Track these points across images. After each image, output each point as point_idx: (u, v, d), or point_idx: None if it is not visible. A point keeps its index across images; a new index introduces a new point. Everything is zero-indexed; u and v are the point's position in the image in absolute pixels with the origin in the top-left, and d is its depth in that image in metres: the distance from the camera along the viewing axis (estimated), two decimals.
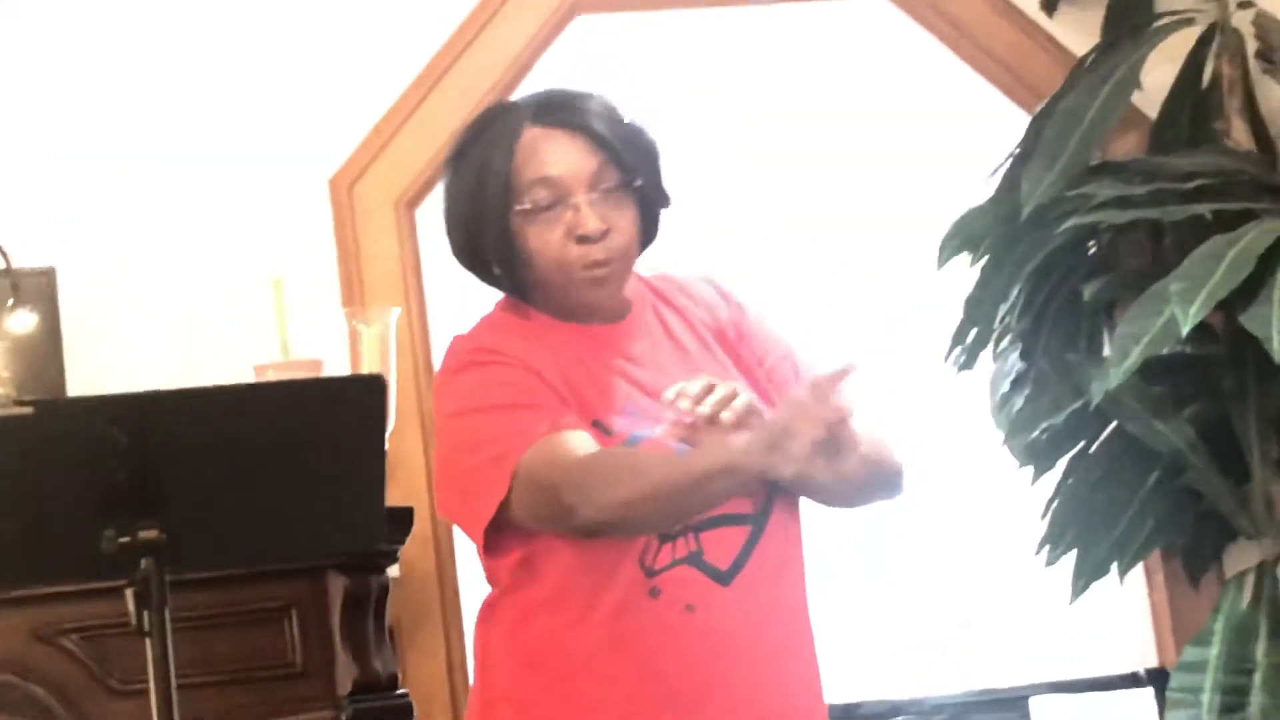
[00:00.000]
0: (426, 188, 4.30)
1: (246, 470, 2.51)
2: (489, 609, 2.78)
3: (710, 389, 2.63)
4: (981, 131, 4.82)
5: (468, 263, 2.79)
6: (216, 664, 3.62)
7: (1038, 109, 4.34)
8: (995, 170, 4.34)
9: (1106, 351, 4.11)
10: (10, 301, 3.93)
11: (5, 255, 3.93)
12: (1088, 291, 4.17)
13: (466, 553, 3.40)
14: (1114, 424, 4.17)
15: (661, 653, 2.65)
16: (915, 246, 4.72)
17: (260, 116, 4.25)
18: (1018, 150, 4.31)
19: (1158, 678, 4.41)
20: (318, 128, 4.28)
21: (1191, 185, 4.04)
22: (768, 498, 2.70)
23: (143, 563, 2.44)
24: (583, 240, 2.68)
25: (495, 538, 2.69)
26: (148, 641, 2.45)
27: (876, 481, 2.73)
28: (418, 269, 4.32)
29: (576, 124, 2.71)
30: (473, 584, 2.93)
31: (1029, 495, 4.32)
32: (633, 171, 2.72)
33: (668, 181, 2.79)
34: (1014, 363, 4.34)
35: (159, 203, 4.20)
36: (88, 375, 4.01)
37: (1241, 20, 4.36)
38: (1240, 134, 4.31)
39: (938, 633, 6.34)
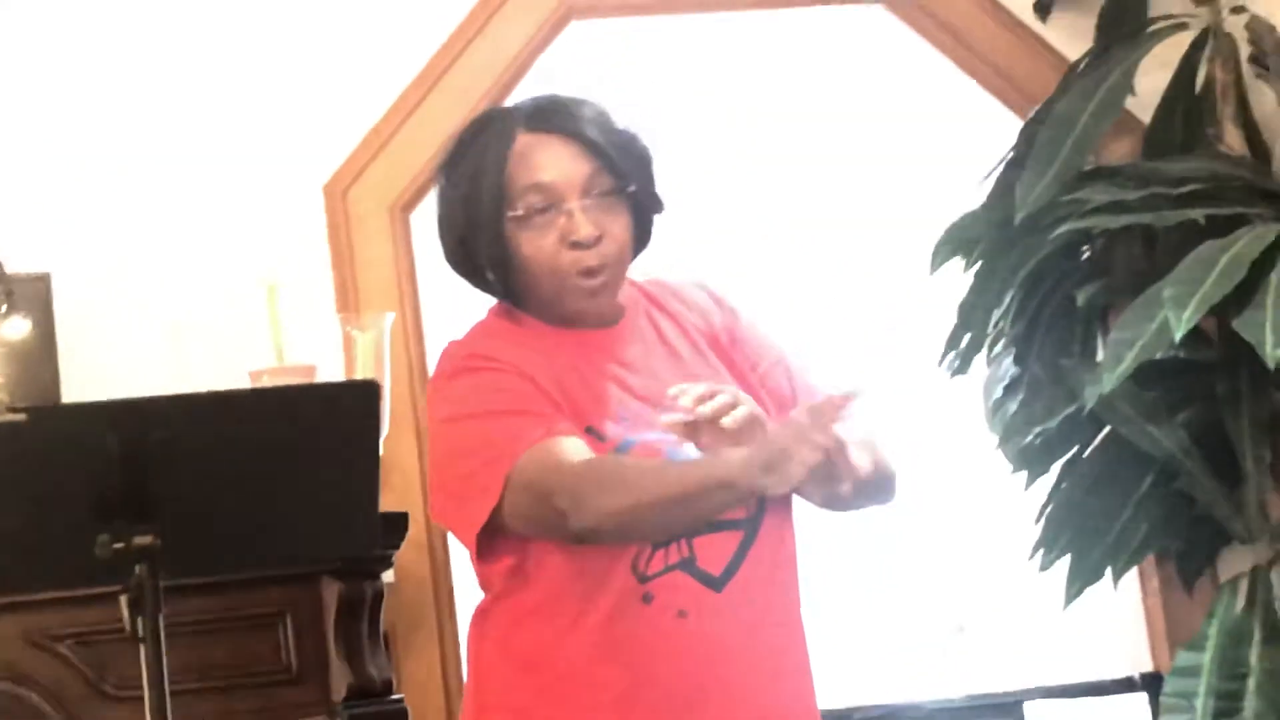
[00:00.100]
0: (421, 193, 4.30)
1: (241, 476, 2.52)
2: (482, 615, 2.78)
3: (714, 394, 2.62)
4: (975, 136, 4.83)
5: (461, 269, 2.79)
6: (211, 670, 3.62)
7: (1031, 114, 4.35)
8: (988, 175, 4.35)
9: (1100, 356, 4.12)
10: (4, 308, 3.92)
11: None
12: (1081, 296, 4.18)
13: (461, 558, 3.40)
14: (1108, 429, 4.17)
15: (654, 659, 2.65)
16: (910, 250, 4.72)
17: (255, 122, 4.25)
18: (1011, 155, 4.32)
19: (1152, 682, 4.41)
20: (312, 133, 4.28)
21: (1185, 190, 4.05)
22: (760, 504, 2.70)
23: (137, 569, 2.44)
24: (576, 246, 2.68)
25: (488, 543, 2.69)
26: (142, 647, 2.45)
27: (870, 490, 2.73)
28: (412, 274, 4.33)
29: (570, 130, 2.71)
30: (467, 589, 2.93)
31: (1023, 500, 4.32)
32: (626, 177, 2.72)
33: (661, 186, 2.79)
34: (1008, 367, 4.34)
35: (154, 208, 4.20)
36: (82, 381, 4.00)
37: (1234, 25, 4.37)
38: (1233, 139, 4.32)
39: (932, 637, 6.34)
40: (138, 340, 4.13)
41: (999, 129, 4.58)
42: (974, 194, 4.39)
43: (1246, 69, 4.35)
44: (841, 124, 6.11)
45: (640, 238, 2.79)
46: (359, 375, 3.86)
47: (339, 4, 4.34)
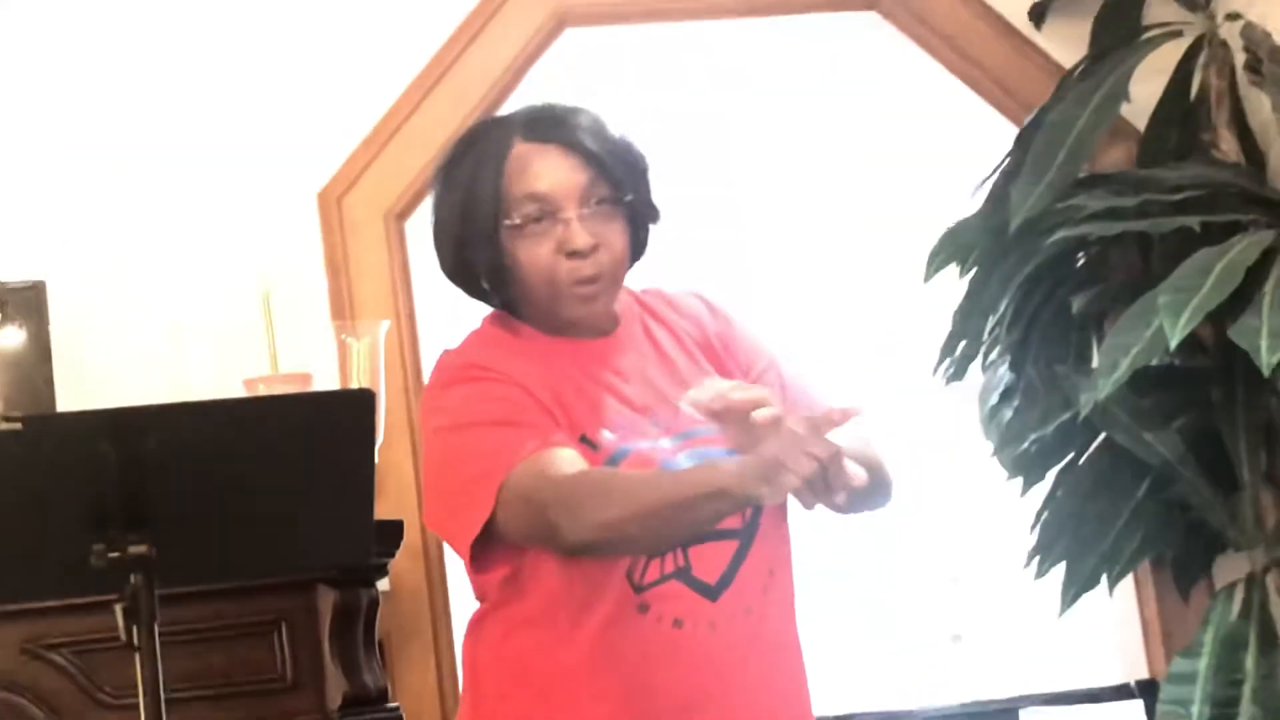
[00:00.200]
0: (416, 200, 4.30)
1: (236, 484, 2.52)
2: (478, 623, 2.78)
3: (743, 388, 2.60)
4: (970, 143, 4.83)
5: (457, 277, 2.80)
6: (206, 678, 3.62)
7: (1026, 121, 4.35)
8: (984, 182, 4.35)
9: (1095, 363, 4.11)
10: None
11: None
12: (1076, 303, 4.18)
13: (456, 566, 3.40)
14: (1103, 435, 4.17)
15: (650, 668, 2.65)
16: (905, 257, 4.72)
17: (249, 129, 4.25)
18: (1006, 162, 4.32)
19: (1148, 689, 4.41)
20: (307, 140, 4.28)
21: (1180, 197, 4.05)
22: (754, 512, 2.70)
23: (132, 577, 2.44)
24: (572, 255, 2.69)
25: (483, 553, 2.68)
26: (138, 656, 2.45)
27: (866, 496, 2.72)
28: (407, 282, 4.32)
29: (566, 139, 2.71)
30: (462, 597, 2.93)
31: (1018, 507, 4.32)
32: (622, 187, 2.73)
33: (657, 195, 2.79)
34: (1003, 374, 4.34)
35: (149, 216, 4.20)
36: (77, 389, 4.00)
37: (1229, 32, 4.37)
38: (1228, 146, 4.32)
39: (928, 645, 6.34)
40: (132, 348, 4.13)
41: (994, 136, 4.58)
42: (969, 201, 4.40)
43: (1241, 76, 4.35)
44: (836, 131, 6.11)
45: (636, 247, 2.79)
46: (354, 383, 3.85)
47: (333, 12, 4.34)
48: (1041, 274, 4.20)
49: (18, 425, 2.39)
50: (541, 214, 2.70)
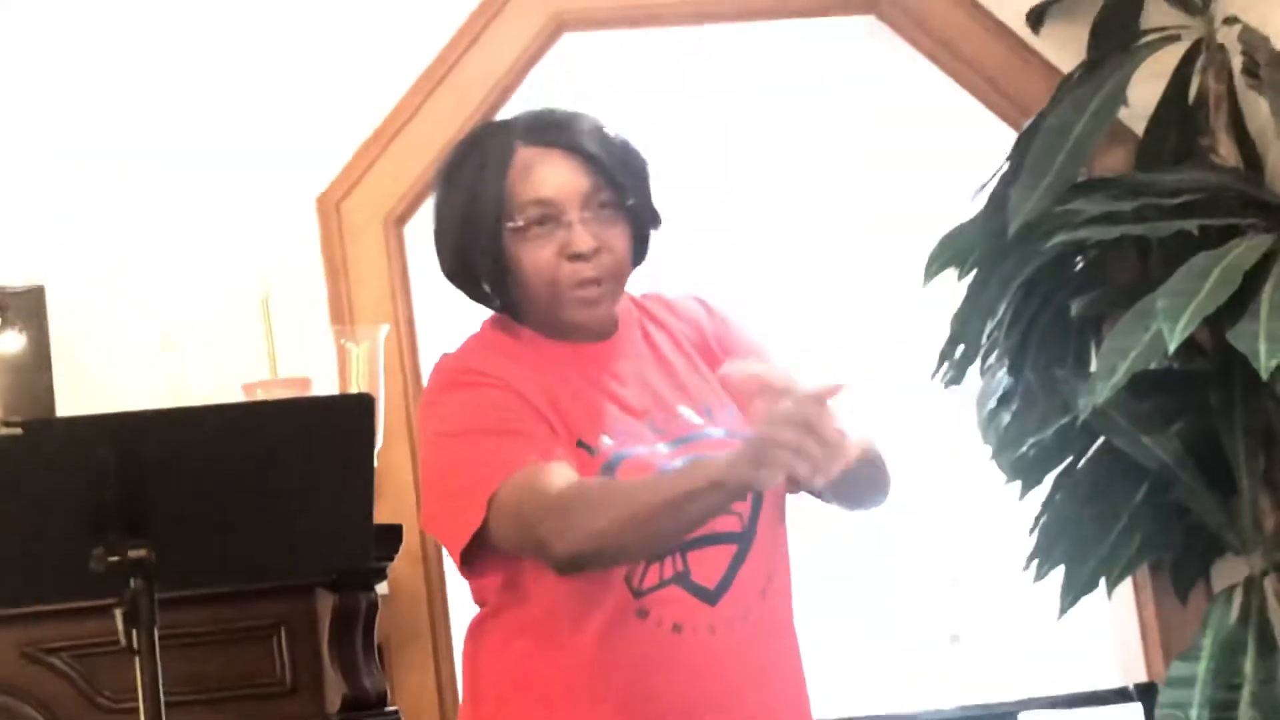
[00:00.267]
0: (415, 205, 4.30)
1: (235, 489, 2.52)
2: (477, 628, 2.78)
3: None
4: (968, 148, 4.83)
5: (457, 280, 2.79)
6: (206, 682, 3.62)
7: (1025, 125, 4.35)
8: (983, 187, 4.35)
9: (1094, 367, 4.12)
10: None
11: None
12: (1075, 307, 4.18)
13: (455, 570, 3.40)
14: (1101, 439, 4.17)
15: (649, 673, 2.65)
16: (904, 260, 4.72)
17: (249, 134, 4.26)
18: (1005, 167, 4.32)
19: (1147, 693, 4.41)
20: (306, 145, 4.28)
21: (1178, 201, 4.05)
22: (753, 516, 2.70)
23: (132, 582, 2.44)
24: (575, 258, 2.68)
25: (480, 558, 2.68)
26: (137, 660, 2.45)
27: (866, 483, 2.70)
28: (406, 286, 4.33)
29: (570, 144, 2.71)
30: (461, 601, 2.93)
31: (1017, 511, 4.32)
32: (625, 191, 2.72)
33: (656, 199, 2.79)
34: (1001, 378, 4.34)
35: (148, 220, 4.20)
36: (76, 394, 4.00)
37: (1227, 36, 4.37)
38: (1226, 150, 4.32)
39: (927, 648, 6.34)
40: (132, 352, 4.13)
41: (992, 140, 4.58)
42: (968, 205, 4.40)
43: (1239, 80, 4.35)
44: (834, 135, 6.12)
45: (638, 252, 2.79)
46: (353, 387, 3.86)
47: (332, 17, 4.34)
48: (1040, 278, 4.20)
49: (18, 430, 2.39)
50: (544, 217, 2.70)
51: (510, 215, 2.70)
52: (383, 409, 3.93)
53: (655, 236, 2.82)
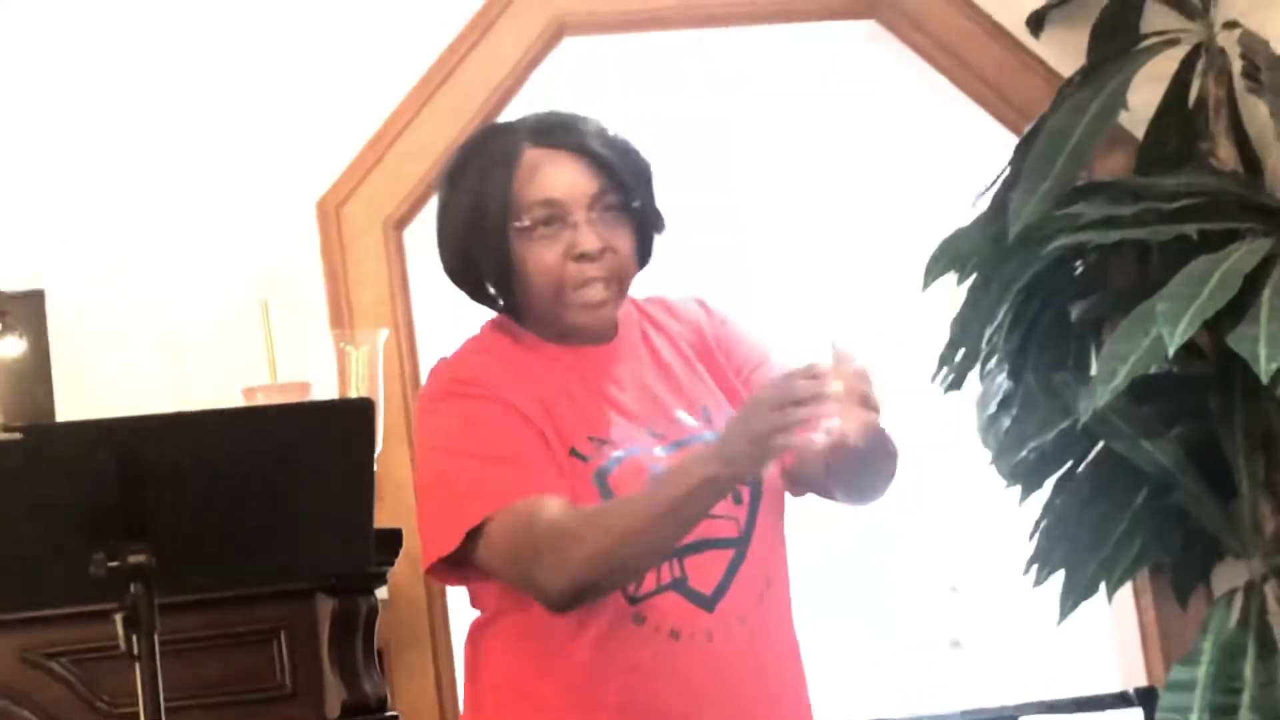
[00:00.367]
0: (415, 209, 4.30)
1: (235, 493, 2.52)
2: (477, 633, 2.78)
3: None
4: (969, 151, 4.83)
5: (460, 281, 2.79)
6: (205, 686, 3.62)
7: (1025, 129, 4.35)
8: (984, 192, 4.35)
9: (1094, 371, 4.12)
10: None
11: None
12: (1075, 311, 4.18)
13: None
14: (1101, 443, 4.17)
15: (647, 679, 2.64)
16: (904, 263, 4.72)
17: (248, 138, 4.26)
18: (1005, 171, 4.32)
19: (1147, 697, 4.41)
20: (305, 149, 4.28)
21: (1178, 205, 4.05)
22: (750, 520, 2.70)
23: (132, 586, 2.44)
24: (581, 259, 2.68)
25: (459, 574, 2.69)
26: (137, 665, 2.45)
27: (872, 463, 2.68)
28: (406, 290, 4.32)
29: (577, 145, 2.71)
30: (461, 605, 2.93)
31: (1017, 515, 4.32)
32: (631, 194, 2.72)
33: (661, 203, 2.79)
34: (1001, 383, 4.34)
35: (147, 224, 4.20)
36: (76, 399, 4.00)
37: (1227, 40, 4.38)
38: (1226, 154, 4.32)
39: (927, 653, 6.34)
40: (131, 357, 4.13)
41: (992, 144, 4.58)
42: (968, 209, 4.40)
43: (1239, 84, 4.35)
44: (834, 139, 6.12)
45: (642, 255, 2.78)
46: (352, 392, 3.85)
47: (332, 21, 4.34)
48: (1040, 282, 4.20)
49: (18, 435, 2.39)
50: (551, 218, 2.69)
51: (516, 215, 2.69)
52: (382, 413, 3.93)
53: (658, 241, 2.81)
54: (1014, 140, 4.40)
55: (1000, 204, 4.22)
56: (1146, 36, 4.42)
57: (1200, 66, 4.39)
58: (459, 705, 4.11)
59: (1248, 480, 4.08)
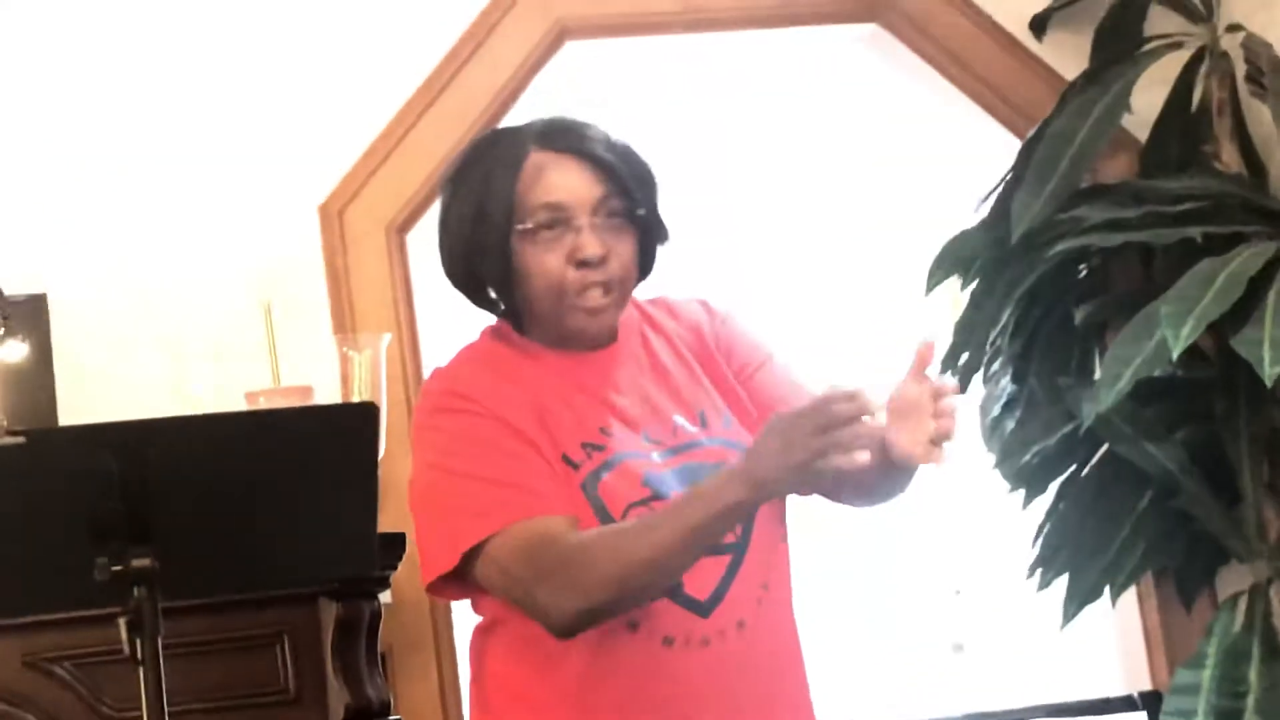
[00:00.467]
0: (417, 213, 4.30)
1: (239, 498, 2.52)
2: (479, 639, 2.78)
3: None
4: (972, 154, 4.83)
5: (461, 284, 2.78)
6: (209, 691, 3.61)
7: (1029, 133, 4.35)
8: (987, 196, 4.35)
9: (1097, 374, 4.11)
10: (1, 331, 3.92)
11: None
12: (1079, 314, 4.18)
13: None
14: (1105, 447, 4.17)
15: (641, 686, 2.64)
16: (907, 265, 4.72)
17: (251, 142, 4.26)
18: (1008, 174, 4.31)
19: (1151, 701, 4.40)
20: (308, 153, 4.28)
21: (1182, 208, 4.05)
22: (748, 525, 2.69)
23: (135, 591, 2.44)
24: (583, 265, 2.67)
25: (455, 587, 2.69)
26: (141, 670, 2.45)
27: (893, 476, 2.67)
28: (408, 295, 4.32)
29: (582, 150, 2.70)
30: (464, 609, 2.92)
31: (1021, 519, 4.32)
32: (635, 200, 2.71)
33: (665, 213, 2.78)
34: (1005, 386, 4.34)
35: (149, 229, 4.20)
36: (78, 403, 4.00)
37: (1230, 43, 4.38)
38: (1230, 157, 4.32)
39: (931, 657, 6.34)
40: (134, 361, 4.12)
41: (995, 147, 4.58)
42: (971, 212, 4.40)
43: (1243, 87, 4.35)
44: (836, 142, 6.12)
45: (645, 264, 2.77)
46: (355, 396, 3.85)
47: (334, 25, 4.34)
48: (1043, 285, 4.19)
49: (21, 439, 2.39)
50: (554, 221, 2.68)
51: (520, 218, 2.69)
52: (385, 417, 3.93)
53: (661, 250, 2.80)
54: (1017, 143, 4.40)
55: (1003, 207, 4.22)
56: (1150, 40, 4.42)
57: (1204, 70, 4.39)
58: (462, 708, 4.12)
59: (1252, 483, 4.08)
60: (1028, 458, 4.22)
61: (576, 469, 2.66)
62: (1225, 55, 4.38)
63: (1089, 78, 4.32)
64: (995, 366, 4.34)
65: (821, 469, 2.42)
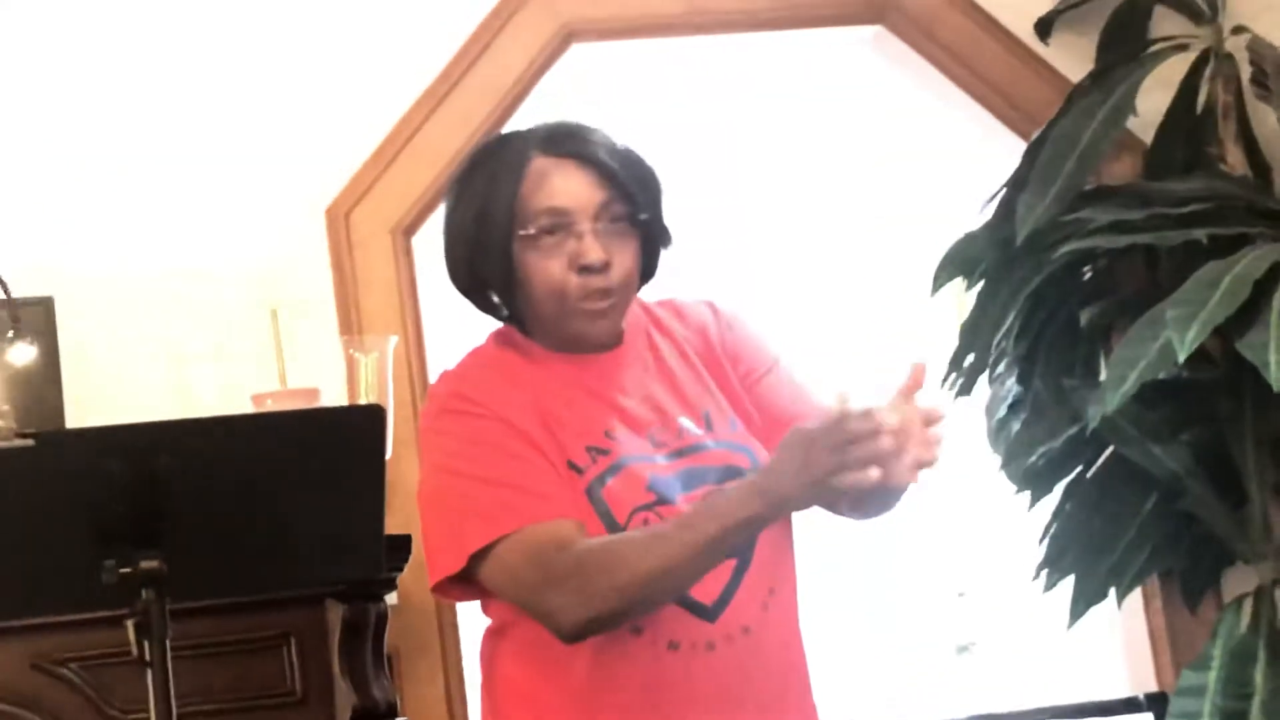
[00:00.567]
0: (423, 216, 4.31)
1: (246, 500, 2.52)
2: (488, 642, 2.78)
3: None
4: (976, 156, 4.83)
5: (465, 288, 2.78)
6: (216, 693, 3.62)
7: (1033, 135, 4.35)
8: (992, 197, 4.35)
9: (1103, 376, 4.12)
10: (10, 334, 3.92)
11: (4, 286, 3.92)
12: (1084, 316, 4.18)
13: None
14: (1111, 449, 4.17)
15: (646, 691, 2.64)
16: (911, 267, 4.72)
17: (257, 145, 4.26)
18: (1013, 176, 4.31)
19: (1157, 702, 4.41)
20: (314, 156, 4.29)
21: (1187, 210, 4.05)
22: None
23: (143, 593, 2.44)
24: (585, 270, 2.67)
25: (462, 588, 2.69)
26: (149, 671, 2.45)
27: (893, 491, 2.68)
28: (414, 297, 4.33)
29: (586, 155, 2.70)
30: (470, 611, 2.93)
31: (1027, 520, 4.32)
32: (638, 206, 2.71)
33: (667, 205, 2.78)
34: (1010, 387, 4.34)
35: (155, 232, 4.21)
36: (85, 406, 4.01)
37: (1235, 46, 4.38)
38: (1235, 159, 4.32)
39: (937, 658, 6.34)
40: (141, 363, 4.13)
41: (1001, 150, 4.59)
42: (976, 214, 4.40)
43: (1248, 89, 4.35)
44: (840, 144, 6.12)
45: (647, 269, 2.78)
46: (362, 398, 3.85)
47: (340, 28, 4.35)
48: (1049, 287, 4.19)
49: (30, 442, 2.40)
50: (556, 226, 2.68)
51: (522, 223, 2.69)
52: (391, 420, 3.93)
53: (665, 254, 2.80)
54: (1022, 145, 4.40)
55: (1008, 209, 4.22)
56: (1155, 42, 4.42)
57: (1209, 72, 4.39)
58: (468, 710, 4.13)
59: (1257, 485, 4.08)
60: (1033, 459, 4.22)
61: (581, 474, 2.66)
62: (1230, 57, 4.38)
63: (1094, 79, 4.32)
64: (1001, 368, 4.33)
65: (836, 487, 2.43)
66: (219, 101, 4.27)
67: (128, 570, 2.44)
